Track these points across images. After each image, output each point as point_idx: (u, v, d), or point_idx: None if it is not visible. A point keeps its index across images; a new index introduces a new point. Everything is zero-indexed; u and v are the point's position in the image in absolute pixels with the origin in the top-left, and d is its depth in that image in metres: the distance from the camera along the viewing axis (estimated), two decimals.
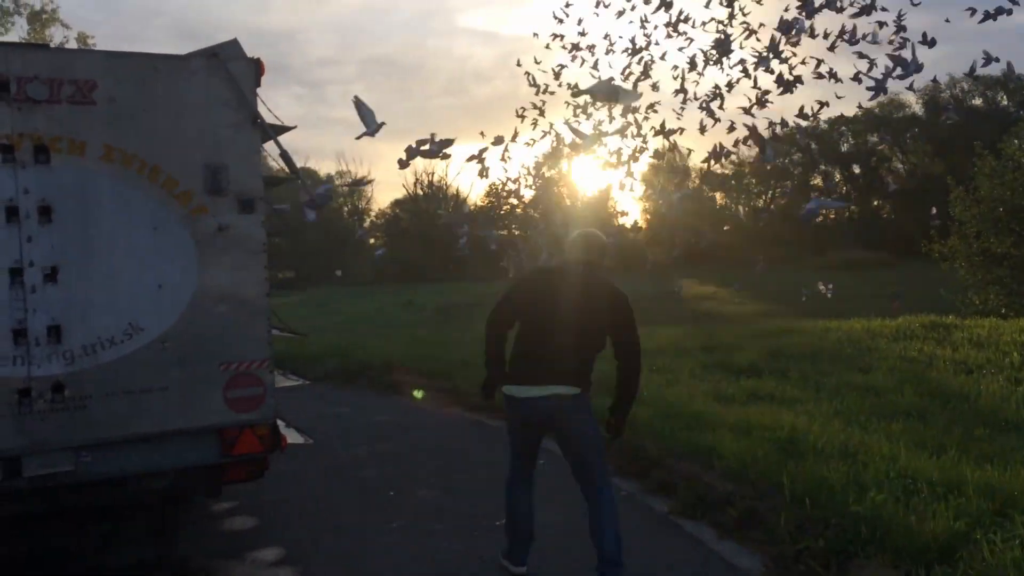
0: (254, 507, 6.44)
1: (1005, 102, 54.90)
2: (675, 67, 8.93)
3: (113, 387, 4.68)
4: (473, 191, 71.59)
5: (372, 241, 72.58)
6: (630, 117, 9.65)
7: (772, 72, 7.69)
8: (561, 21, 9.85)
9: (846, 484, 5.16)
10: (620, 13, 8.99)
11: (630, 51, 9.22)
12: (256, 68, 5.07)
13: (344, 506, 6.49)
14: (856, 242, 53.10)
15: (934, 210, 19.30)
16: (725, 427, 7.00)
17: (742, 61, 8.21)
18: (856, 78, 7.03)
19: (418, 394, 11.27)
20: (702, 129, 8.97)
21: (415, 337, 16.39)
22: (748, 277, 41.84)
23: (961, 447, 6.05)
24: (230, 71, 4.94)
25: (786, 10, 7.35)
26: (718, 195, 67.69)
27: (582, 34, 9.32)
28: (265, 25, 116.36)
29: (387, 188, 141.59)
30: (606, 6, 9.10)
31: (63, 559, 5.47)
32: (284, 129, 5.51)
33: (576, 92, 9.30)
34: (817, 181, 62.74)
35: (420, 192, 70.10)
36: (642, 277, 44.27)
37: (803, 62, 7.81)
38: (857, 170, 60.69)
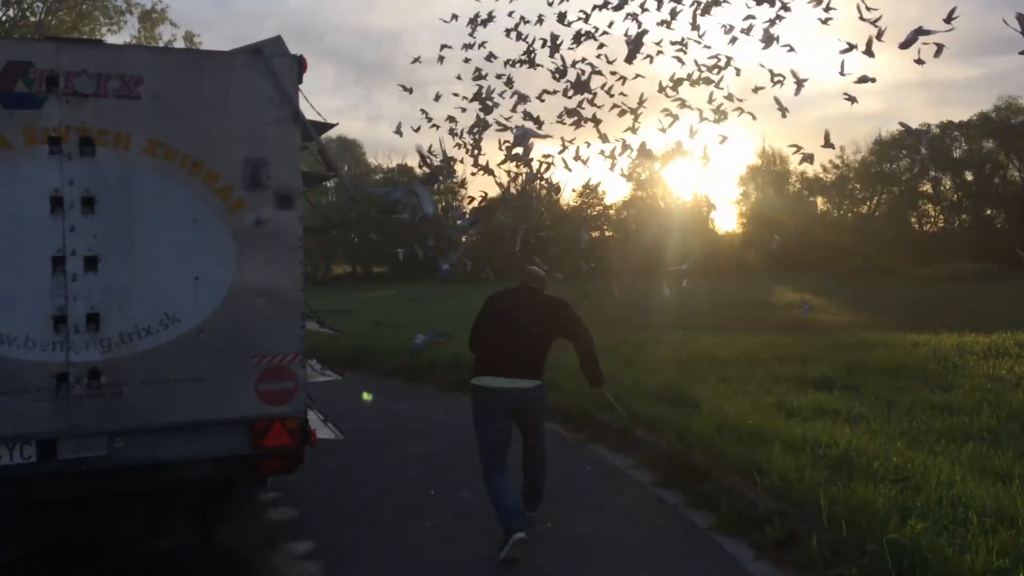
0: (295, 500, 6.56)
1: None
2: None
3: (148, 376, 4.81)
4: (567, 191, 71.10)
5: (464, 239, 73.27)
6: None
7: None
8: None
9: (890, 509, 4.85)
10: None
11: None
12: (298, 65, 5.14)
13: (383, 503, 6.53)
14: (965, 252, 50.51)
15: None
16: (780, 442, 6.70)
17: None
18: None
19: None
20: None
21: None
22: (846, 286, 40.58)
23: None
24: (272, 67, 5.02)
25: None
26: (819, 199, 65.66)
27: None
28: (372, 25, 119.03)
29: (484, 185, 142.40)
30: None
31: (107, 543, 5.67)
32: (326, 126, 5.55)
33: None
34: (926, 187, 60.03)
35: (514, 190, 70.42)
36: (735, 284, 43.50)
37: None
38: (970, 177, 57.73)
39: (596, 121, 9.83)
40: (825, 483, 5.49)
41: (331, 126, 5.69)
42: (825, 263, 53.54)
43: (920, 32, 6.59)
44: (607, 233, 72.60)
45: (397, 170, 69.72)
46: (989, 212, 56.98)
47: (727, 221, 69.21)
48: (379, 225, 64.58)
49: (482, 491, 6.78)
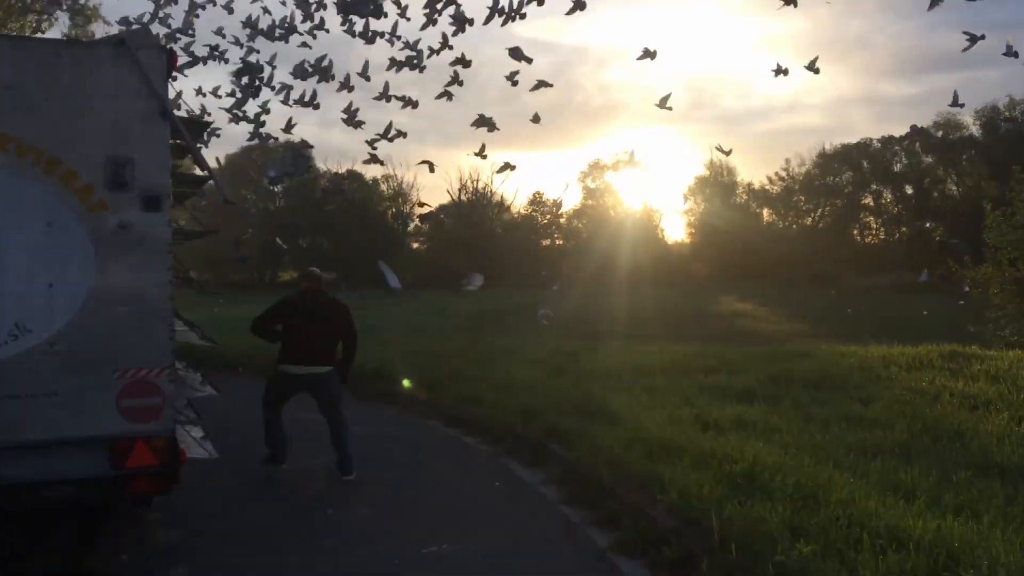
0: (182, 519, 6.16)
1: None
2: None
3: None
4: (517, 198, 71.22)
5: (415, 245, 72.83)
6: None
7: None
8: None
9: (784, 529, 4.68)
10: None
11: None
12: (168, 58, 4.81)
13: (277, 523, 6.18)
14: (905, 264, 51.59)
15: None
16: (688, 456, 6.53)
17: None
18: None
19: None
20: None
21: (421, 347, 16.06)
22: (789, 295, 41.09)
23: (934, 492, 5.52)
24: (139, 60, 4.69)
25: None
26: (765, 211, 66.53)
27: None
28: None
29: (434, 192, 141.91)
30: None
31: None
32: (201, 124, 5.23)
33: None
34: (868, 200, 61.19)
35: (464, 198, 70.13)
36: (683, 293, 43.74)
37: None
38: (910, 190, 58.98)
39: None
40: (725, 500, 5.32)
41: (207, 124, 5.38)
42: (770, 273, 54.25)
43: None
44: (559, 241, 73.00)
45: (347, 175, 68.96)
46: (928, 225, 58.19)
47: (675, 231, 69.95)
48: (328, 231, 63.86)
49: (385, 507, 6.54)
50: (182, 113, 5.07)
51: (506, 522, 6.25)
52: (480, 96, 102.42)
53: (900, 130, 71.26)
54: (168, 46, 4.80)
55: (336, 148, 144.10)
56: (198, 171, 5.91)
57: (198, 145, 5.24)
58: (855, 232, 62.82)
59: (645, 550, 5.33)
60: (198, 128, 5.28)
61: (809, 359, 12.64)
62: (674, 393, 9.93)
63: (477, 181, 70.27)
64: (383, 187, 70.44)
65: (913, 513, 4.95)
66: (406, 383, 11.67)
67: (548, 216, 70.75)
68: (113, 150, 4.65)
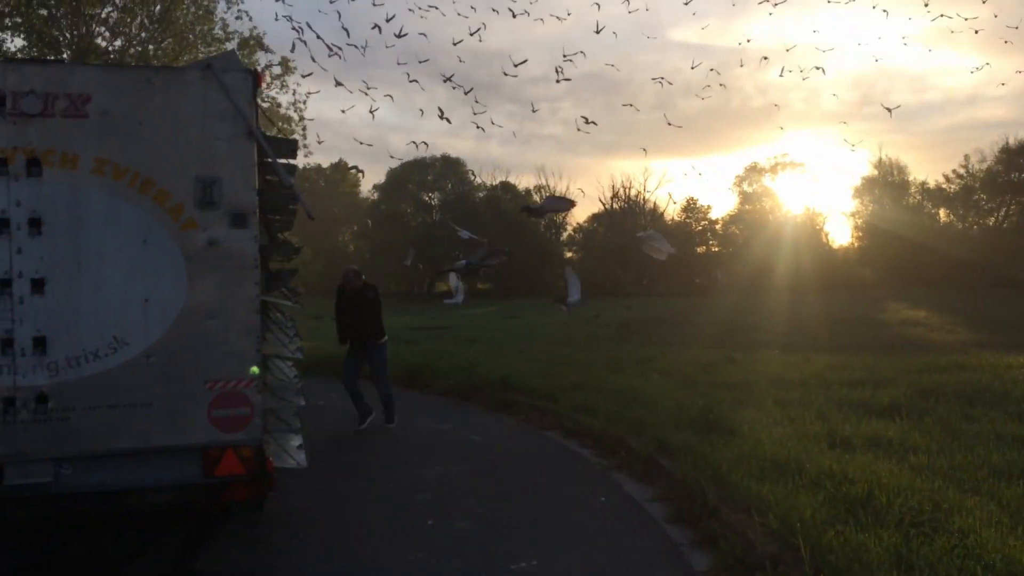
0: (285, 526, 6.36)
1: None
2: None
3: (95, 400, 4.73)
4: (670, 206, 69.98)
5: (570, 255, 73.07)
6: None
7: None
8: None
9: (891, 559, 4.24)
10: None
11: None
12: (253, 80, 4.98)
13: (377, 532, 6.25)
14: None
15: None
16: (805, 476, 6.09)
17: None
18: None
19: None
20: None
21: (558, 355, 15.98)
22: (969, 302, 38.05)
23: None
24: (224, 83, 4.89)
25: None
26: (942, 212, 62.07)
27: None
28: (483, 45, 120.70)
29: (586, 202, 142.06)
30: None
31: (92, 564, 5.61)
32: (288, 143, 5.38)
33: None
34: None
35: (616, 207, 69.71)
36: (849, 300, 41.53)
37: None
38: None
39: None
40: (830, 525, 4.90)
41: (295, 143, 5.53)
42: (948, 278, 50.44)
43: None
44: (714, 248, 71.12)
45: (500, 187, 70.20)
46: None
47: (841, 235, 66.36)
48: (470, 246, 65.27)
49: (484, 520, 6.49)
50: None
51: (604, 539, 6.04)
52: (635, 100, 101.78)
53: None
54: (253, 68, 4.95)
55: (492, 160, 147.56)
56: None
57: (288, 162, 5.40)
58: None
59: None
60: (286, 146, 5.44)
61: (969, 371, 11.62)
62: (808, 407, 9.36)
63: (630, 188, 69.74)
64: (536, 198, 71.10)
65: None
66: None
67: (703, 222, 69.12)
68: (202, 170, 4.87)
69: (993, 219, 58.89)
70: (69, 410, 4.69)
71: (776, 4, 8.31)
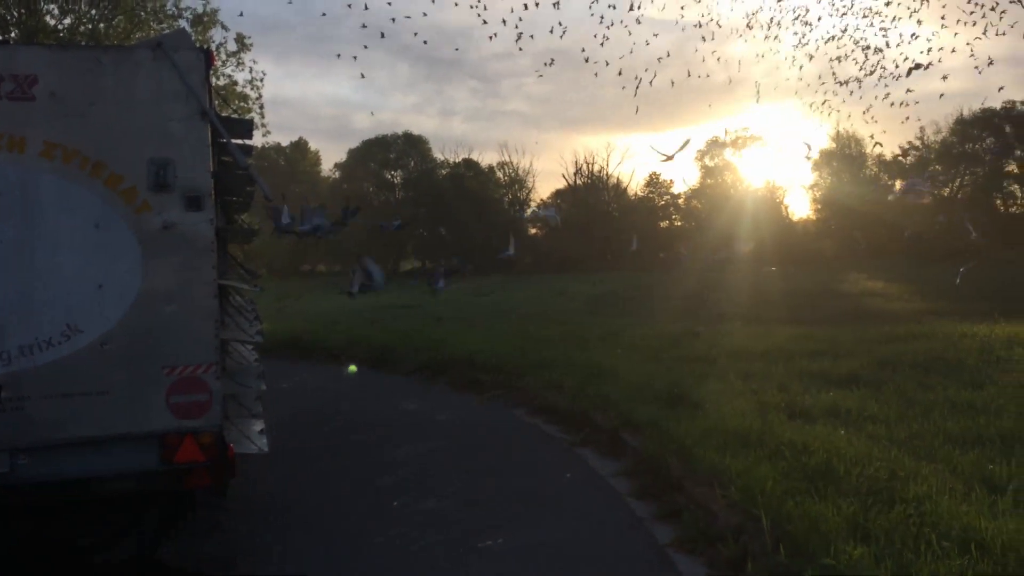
0: (254, 510, 6.33)
1: None
2: None
3: (51, 389, 4.63)
4: (632, 181, 70.20)
5: (533, 231, 73.05)
6: None
7: None
8: None
9: (849, 528, 4.32)
10: None
11: None
12: (206, 58, 4.87)
13: (344, 516, 6.24)
14: None
15: None
16: (765, 448, 6.18)
17: None
18: None
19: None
20: None
21: (526, 332, 15.98)
22: (927, 272, 38.72)
23: None
24: (176, 62, 4.77)
25: None
26: (898, 183, 62.90)
27: None
28: (445, 22, 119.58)
29: (549, 178, 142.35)
30: None
31: (51, 557, 5.53)
32: (243, 123, 5.28)
33: None
34: (1011, 168, 56.81)
35: (580, 182, 69.72)
36: (810, 271, 42.11)
37: None
38: None
39: None
40: (790, 496, 4.98)
41: (250, 123, 5.43)
42: (906, 248, 51.27)
43: None
44: (677, 223, 71.47)
45: (463, 164, 69.84)
46: None
47: (800, 208, 67.09)
48: (448, 220, 64.88)
49: (457, 498, 6.51)
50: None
51: (570, 515, 6.10)
52: (600, 78, 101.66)
53: None
54: (206, 47, 4.83)
55: (455, 138, 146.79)
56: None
57: (243, 142, 5.30)
58: (998, 202, 58.51)
59: (705, 547, 5.08)
60: (241, 126, 5.34)
61: (924, 341, 11.83)
62: (770, 379, 9.47)
63: (592, 164, 69.77)
64: (499, 174, 70.92)
65: (996, 511, 4.48)
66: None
67: (666, 197, 69.48)
68: (155, 152, 4.76)
69: (948, 190, 59.87)
70: (24, 400, 4.58)
71: None
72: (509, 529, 5.78)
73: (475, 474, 7.21)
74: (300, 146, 71.52)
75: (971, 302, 22.73)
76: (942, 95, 56.86)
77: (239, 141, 5.28)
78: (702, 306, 23.52)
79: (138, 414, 4.76)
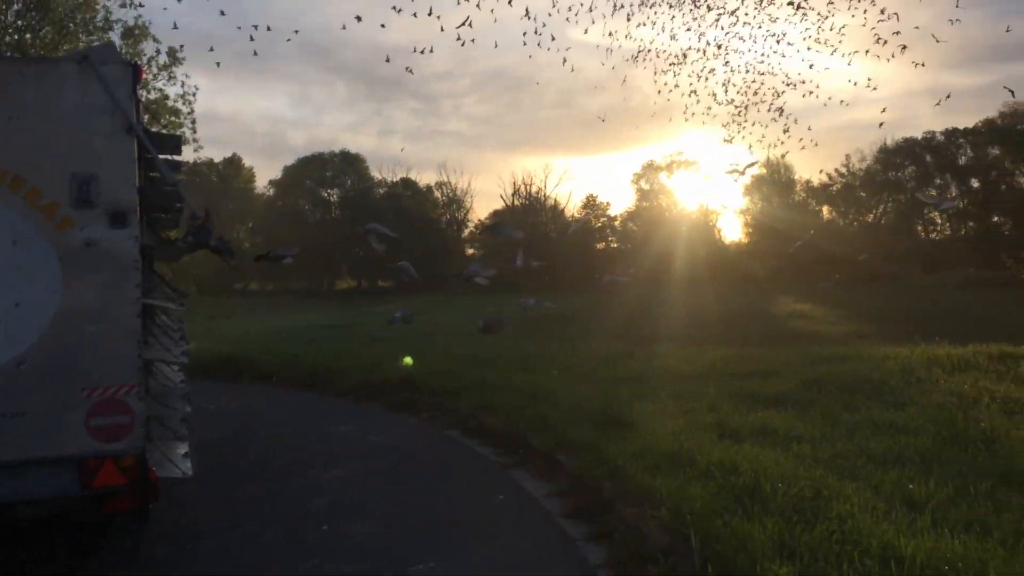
0: (180, 534, 6.14)
1: None
2: None
3: None
4: (571, 202, 70.89)
5: (471, 252, 73.08)
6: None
7: None
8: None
9: (776, 546, 4.40)
10: None
11: None
12: (134, 72, 4.76)
13: (271, 542, 6.09)
14: (971, 260, 49.72)
15: None
16: (696, 468, 6.27)
17: None
18: None
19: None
20: None
21: (461, 352, 15.93)
22: (851, 295, 39.92)
23: (946, 505, 5.16)
24: (102, 75, 4.66)
25: None
26: (825, 209, 64.90)
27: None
28: (387, 41, 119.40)
29: (487, 198, 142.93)
30: None
31: None
32: (172, 138, 5.18)
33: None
34: (932, 195, 59.08)
35: (518, 203, 70.10)
36: (741, 293, 43.00)
37: None
38: (976, 184, 56.81)
39: None
40: (718, 515, 5.05)
41: (178, 139, 5.33)
42: (832, 272, 52.79)
43: None
44: (613, 244, 72.38)
45: (401, 183, 69.59)
46: (996, 219, 55.93)
47: (733, 231, 68.67)
48: (385, 239, 64.46)
49: (385, 523, 6.42)
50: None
51: (502, 537, 6.08)
52: (538, 100, 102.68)
53: (965, 122, 68.56)
54: (134, 60, 4.74)
55: (393, 157, 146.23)
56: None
57: (171, 158, 5.20)
58: (919, 228, 60.79)
59: (636, 568, 5.11)
60: (169, 142, 5.24)
61: (849, 362, 12.15)
62: (701, 399, 9.62)
63: (531, 185, 70.25)
64: (437, 194, 70.88)
65: (915, 529, 4.62)
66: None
67: (602, 219, 70.34)
68: (78, 167, 4.64)
69: (872, 216, 61.97)
70: None
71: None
72: (440, 553, 5.72)
73: (407, 497, 7.13)
74: (234, 162, 70.38)
75: (892, 324, 23.53)
76: (882, 124, 58.91)
77: (167, 157, 5.17)
78: (637, 327, 23.81)
79: (56, 437, 4.61)
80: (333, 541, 6.04)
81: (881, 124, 51.96)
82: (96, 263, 4.67)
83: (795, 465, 6.31)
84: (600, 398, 9.61)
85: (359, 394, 12.57)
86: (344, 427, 10.38)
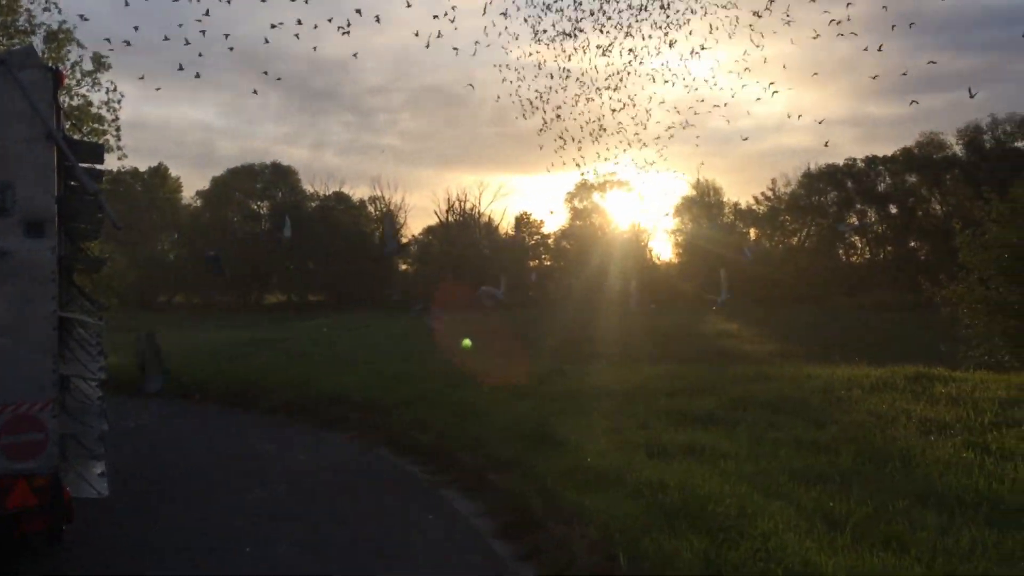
0: (95, 556, 5.89)
1: None
2: None
3: None
4: (504, 220, 71.17)
5: (404, 267, 72.64)
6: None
7: None
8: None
9: (702, 564, 4.45)
10: None
11: None
12: (54, 78, 4.60)
13: (189, 564, 5.90)
14: (890, 283, 51.58)
15: None
16: (626, 486, 6.30)
17: None
18: None
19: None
20: None
21: (395, 369, 15.76)
22: (776, 315, 40.97)
23: (866, 523, 5.29)
24: (20, 80, 4.48)
25: None
26: (752, 231, 66.49)
27: None
28: (322, 53, 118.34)
29: (421, 214, 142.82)
30: None
31: None
32: (93, 147, 5.02)
33: None
34: (852, 220, 61.21)
35: (452, 220, 70.01)
36: (671, 312, 43.65)
37: None
38: (894, 210, 59.02)
39: None
40: (647, 533, 5.09)
41: (100, 147, 5.17)
42: (758, 293, 54.11)
43: None
44: (547, 262, 72.86)
45: (334, 197, 68.84)
46: (913, 244, 58.15)
47: (664, 250, 69.87)
48: (317, 253, 63.56)
49: (300, 546, 6.28)
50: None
51: (429, 558, 6.01)
52: (475, 118, 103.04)
53: (885, 150, 71.38)
54: (55, 65, 4.58)
55: (326, 169, 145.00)
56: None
57: (92, 167, 5.03)
58: (840, 252, 62.79)
59: None
60: (91, 150, 5.07)
61: (774, 381, 12.43)
62: (631, 417, 9.71)
63: (465, 202, 70.28)
64: (371, 209, 70.34)
65: (835, 547, 4.72)
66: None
67: (536, 237, 70.82)
68: None
69: (796, 239, 63.77)
70: None
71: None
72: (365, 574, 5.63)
73: (332, 518, 6.99)
74: (160, 172, 68.57)
75: (814, 345, 24.21)
76: (827, 143, 61.12)
77: (88, 165, 5.00)
78: (570, 345, 23.96)
79: None
80: (254, 563, 5.88)
81: (826, 143, 54.39)
82: (9, 274, 4.48)
83: (721, 483, 6.40)
84: (533, 416, 9.61)
85: (288, 411, 12.34)
86: (270, 445, 10.16)
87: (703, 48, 8.57)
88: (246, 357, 18.98)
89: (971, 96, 8.92)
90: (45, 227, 4.55)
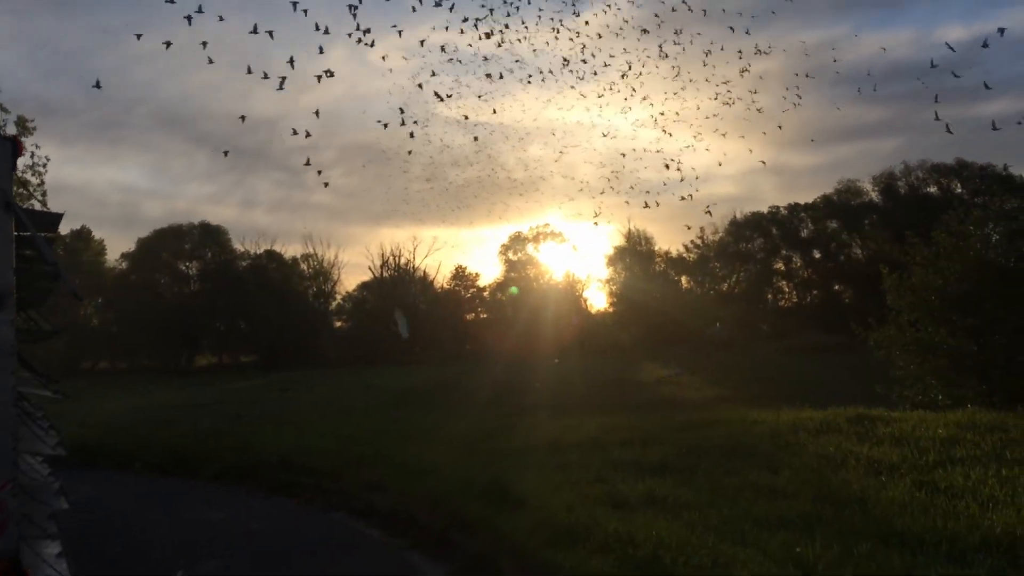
0: None
1: (959, 189, 55.76)
2: None
3: None
4: (440, 273, 71.20)
5: (338, 324, 71.78)
6: None
7: None
8: None
9: None
10: None
11: None
12: (12, 147, 4.50)
13: None
14: (818, 326, 53.10)
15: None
16: (594, 541, 6.29)
17: None
18: None
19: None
20: None
21: (338, 430, 15.49)
22: (710, 358, 41.69)
23: (834, 567, 5.39)
24: None
25: None
26: (684, 279, 67.85)
27: None
28: (248, 112, 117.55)
29: (355, 270, 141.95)
30: None
31: None
32: (50, 216, 4.91)
33: None
34: (779, 265, 63.05)
35: (386, 275, 69.68)
36: (608, 361, 43.96)
37: None
38: (818, 255, 61.04)
39: None
40: None
41: (58, 217, 5.04)
42: (690, 338, 55.07)
43: None
44: (482, 315, 72.90)
45: (265, 255, 67.91)
46: (837, 288, 60.10)
47: (599, 300, 70.69)
48: (247, 312, 62.35)
49: None
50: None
51: None
52: (405, 173, 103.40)
53: (806, 198, 74.21)
54: (11, 135, 4.49)
55: (256, 228, 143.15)
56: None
57: (50, 236, 4.90)
58: (769, 296, 64.47)
59: None
60: (47, 219, 4.95)
61: (722, 427, 12.61)
62: (587, 470, 9.72)
63: (399, 257, 70.13)
64: (303, 266, 69.58)
65: None
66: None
67: (472, 290, 70.96)
68: None
69: (726, 285, 65.30)
70: None
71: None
72: None
73: None
74: (83, 235, 66.73)
75: (749, 388, 24.73)
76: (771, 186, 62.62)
77: (47, 234, 4.87)
78: (510, 396, 23.97)
79: None
80: None
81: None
82: None
83: (687, 533, 6.44)
84: (487, 472, 9.54)
85: (231, 477, 11.98)
86: (219, 514, 9.84)
87: (628, 110, 8.76)
88: (181, 422, 18.43)
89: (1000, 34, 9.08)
90: (4, 300, 4.40)
